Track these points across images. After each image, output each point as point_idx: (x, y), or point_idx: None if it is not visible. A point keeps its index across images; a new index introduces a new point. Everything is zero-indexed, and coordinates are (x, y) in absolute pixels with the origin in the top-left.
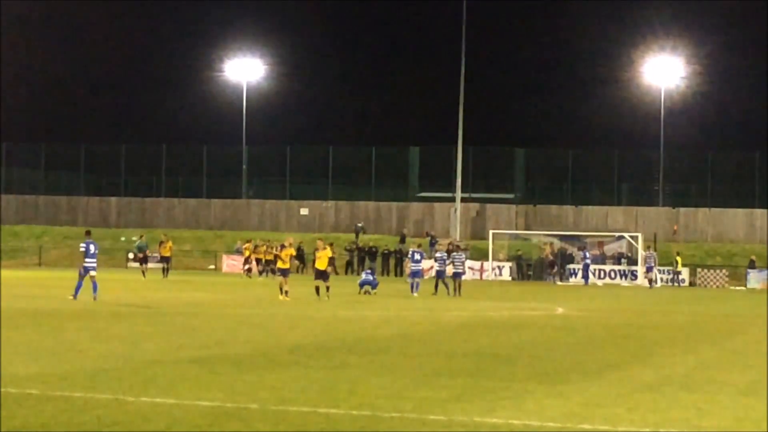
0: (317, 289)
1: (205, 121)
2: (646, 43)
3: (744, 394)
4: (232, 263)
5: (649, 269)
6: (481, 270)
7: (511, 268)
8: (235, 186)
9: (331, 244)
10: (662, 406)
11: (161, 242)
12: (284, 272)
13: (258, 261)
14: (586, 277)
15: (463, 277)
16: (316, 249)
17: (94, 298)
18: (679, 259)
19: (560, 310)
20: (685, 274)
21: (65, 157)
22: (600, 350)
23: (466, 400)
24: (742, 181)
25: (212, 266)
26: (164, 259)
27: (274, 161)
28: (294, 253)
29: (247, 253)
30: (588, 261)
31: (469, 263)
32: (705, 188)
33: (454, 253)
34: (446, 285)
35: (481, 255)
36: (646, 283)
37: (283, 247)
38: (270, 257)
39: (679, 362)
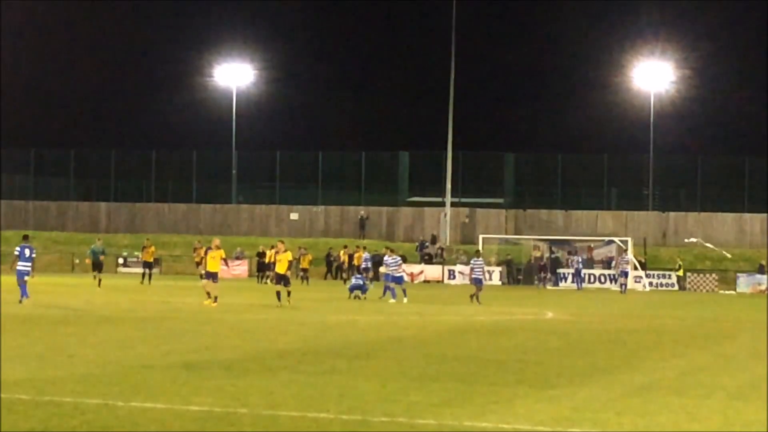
0: (278, 294)
1: (195, 126)
2: (636, 47)
3: (734, 398)
4: (222, 268)
5: (623, 274)
6: (471, 274)
7: (501, 272)
8: (224, 191)
9: (302, 248)
10: (652, 410)
11: (144, 247)
12: (212, 276)
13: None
14: (578, 282)
15: (454, 282)
16: (276, 252)
17: (20, 301)
18: (680, 263)
19: (550, 314)
20: (674, 278)
21: (55, 162)
22: (590, 354)
23: (456, 404)
24: (731, 185)
25: (203, 271)
26: (147, 265)
27: (263, 166)
28: (224, 254)
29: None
30: (580, 266)
31: (458, 267)
32: (694, 193)
33: (474, 259)
34: (391, 290)
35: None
36: (638, 287)
37: (209, 249)
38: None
39: (669, 366)
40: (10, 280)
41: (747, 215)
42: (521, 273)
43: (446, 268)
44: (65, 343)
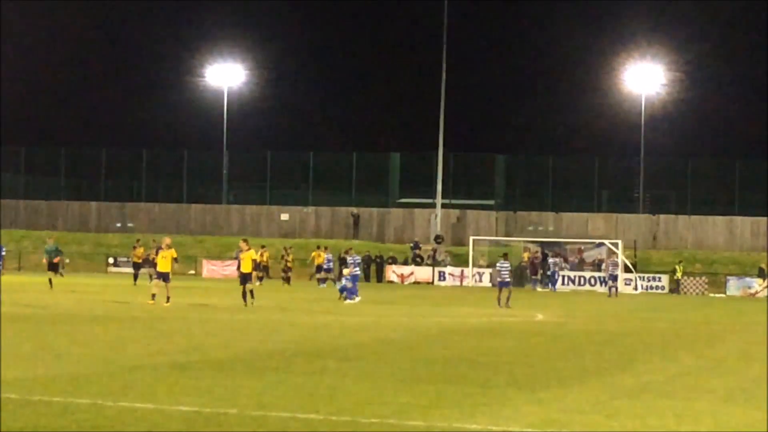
0: (243, 294)
1: (186, 126)
2: (627, 50)
3: (723, 401)
4: (212, 268)
5: (613, 278)
6: (462, 276)
7: (491, 274)
8: (215, 191)
9: (263, 247)
10: (641, 412)
11: (134, 247)
12: (164, 276)
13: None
14: (553, 282)
15: (444, 283)
16: (240, 251)
17: None
18: (679, 267)
19: (540, 316)
20: (664, 281)
21: (46, 161)
22: (579, 357)
23: (445, 406)
24: (722, 188)
25: (192, 271)
26: (136, 266)
27: (254, 166)
28: (175, 254)
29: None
30: (556, 269)
31: (448, 269)
32: (685, 195)
33: (501, 262)
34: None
35: (461, 261)
36: (631, 290)
37: (159, 249)
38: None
39: (659, 369)
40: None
41: (737, 218)
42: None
43: (436, 269)
44: (54, 342)
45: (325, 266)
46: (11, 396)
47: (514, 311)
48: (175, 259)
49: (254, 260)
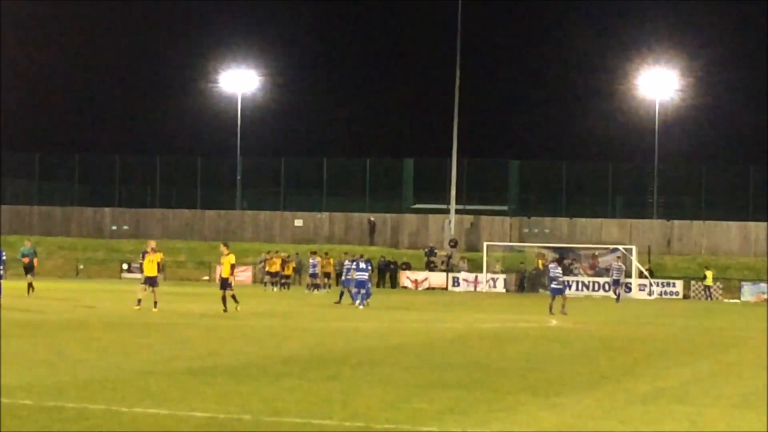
0: (223, 299)
1: (200, 132)
2: (641, 55)
3: (737, 407)
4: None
5: (615, 283)
6: (476, 282)
7: (505, 279)
8: (229, 197)
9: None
10: (656, 418)
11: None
12: (151, 281)
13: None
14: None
15: (458, 289)
16: (221, 254)
17: None
18: (709, 273)
19: (554, 322)
20: (679, 286)
21: (59, 167)
22: (594, 362)
23: (459, 411)
24: (736, 193)
25: (206, 277)
26: None
27: (268, 172)
28: (159, 259)
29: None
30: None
31: (462, 275)
32: (699, 201)
33: (553, 267)
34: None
35: (475, 267)
36: (645, 296)
37: (145, 253)
38: (277, 269)
39: (673, 375)
40: (4, 285)
41: (751, 223)
42: (526, 280)
43: (450, 275)
44: (68, 348)
45: (311, 271)
46: (26, 402)
47: (528, 316)
48: (160, 265)
49: (233, 265)
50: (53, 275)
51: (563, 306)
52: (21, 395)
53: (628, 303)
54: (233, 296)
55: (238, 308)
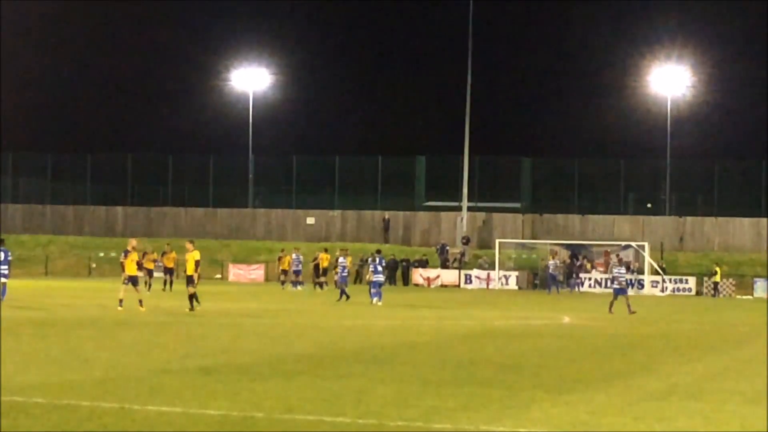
0: (190, 297)
1: (212, 130)
2: (653, 52)
3: (751, 402)
4: (238, 272)
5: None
6: (488, 279)
7: (518, 277)
8: (241, 195)
9: (325, 250)
10: (669, 414)
11: (164, 252)
12: (133, 279)
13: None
14: (548, 286)
15: (470, 287)
16: (187, 251)
17: None
18: (718, 270)
19: (567, 319)
20: (691, 283)
21: (72, 166)
22: (606, 359)
23: (472, 408)
24: (748, 190)
25: (218, 275)
26: (168, 271)
27: (280, 171)
28: (136, 257)
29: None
30: (551, 272)
31: (475, 272)
32: (712, 197)
33: (617, 268)
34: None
35: (488, 264)
36: (658, 292)
37: (127, 252)
38: (285, 267)
39: (686, 371)
40: (17, 284)
41: (764, 220)
42: (538, 278)
43: (463, 272)
44: (82, 347)
45: (294, 268)
46: (39, 400)
47: (541, 313)
48: (138, 263)
49: (197, 261)
50: (66, 275)
51: (628, 305)
52: (34, 393)
53: (641, 300)
54: (195, 294)
55: (198, 308)
